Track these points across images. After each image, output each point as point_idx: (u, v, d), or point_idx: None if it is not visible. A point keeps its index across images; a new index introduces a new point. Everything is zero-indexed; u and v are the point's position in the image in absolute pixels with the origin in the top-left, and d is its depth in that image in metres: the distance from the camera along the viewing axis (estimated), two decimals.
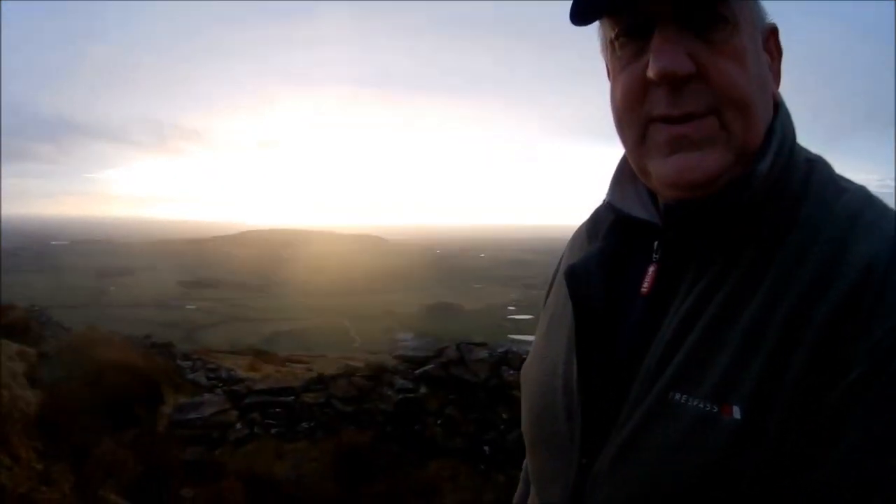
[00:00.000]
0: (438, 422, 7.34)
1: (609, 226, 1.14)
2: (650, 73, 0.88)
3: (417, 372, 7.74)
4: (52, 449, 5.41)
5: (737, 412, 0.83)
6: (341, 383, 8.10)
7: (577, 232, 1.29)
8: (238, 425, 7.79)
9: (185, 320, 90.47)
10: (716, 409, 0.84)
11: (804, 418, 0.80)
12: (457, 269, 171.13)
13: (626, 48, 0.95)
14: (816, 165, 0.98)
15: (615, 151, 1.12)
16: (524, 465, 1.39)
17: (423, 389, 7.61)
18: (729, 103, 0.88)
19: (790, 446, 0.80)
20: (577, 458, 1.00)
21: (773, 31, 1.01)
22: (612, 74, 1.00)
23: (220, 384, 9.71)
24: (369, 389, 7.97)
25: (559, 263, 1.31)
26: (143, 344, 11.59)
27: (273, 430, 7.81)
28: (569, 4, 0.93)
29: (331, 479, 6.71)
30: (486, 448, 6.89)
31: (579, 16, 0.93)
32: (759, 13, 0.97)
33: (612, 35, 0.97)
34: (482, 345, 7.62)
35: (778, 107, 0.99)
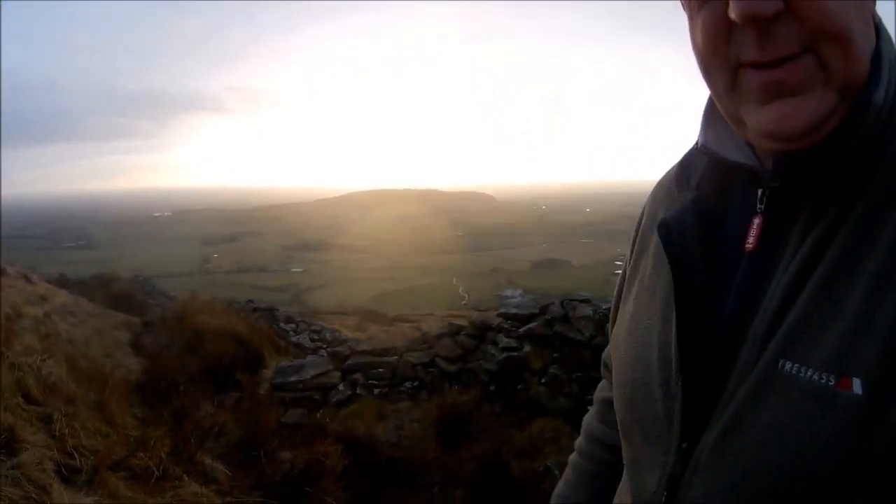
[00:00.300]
0: (542, 381, 7.20)
1: (702, 173, 1.01)
2: (732, 15, 0.77)
3: (521, 330, 7.58)
4: (151, 415, 5.50)
5: (857, 386, 0.70)
6: (445, 342, 8.09)
7: (660, 182, 1.16)
8: (340, 386, 7.84)
9: (291, 284, 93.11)
10: (832, 382, 0.72)
11: None
12: (563, 224, 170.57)
13: None
14: None
15: None
16: (576, 443, 1.38)
17: (526, 348, 7.47)
18: (825, 38, 0.76)
19: None
20: (676, 443, 0.88)
21: None
22: (690, 14, 0.87)
23: (324, 345, 9.80)
24: (473, 348, 7.93)
25: (639, 220, 1.18)
26: (245, 309, 11.85)
27: (376, 391, 7.83)
28: None
29: (432, 439, 6.68)
30: (589, 408, 6.67)
31: None
32: None
33: None
34: (586, 301, 7.38)
35: (879, 29, 0.84)
